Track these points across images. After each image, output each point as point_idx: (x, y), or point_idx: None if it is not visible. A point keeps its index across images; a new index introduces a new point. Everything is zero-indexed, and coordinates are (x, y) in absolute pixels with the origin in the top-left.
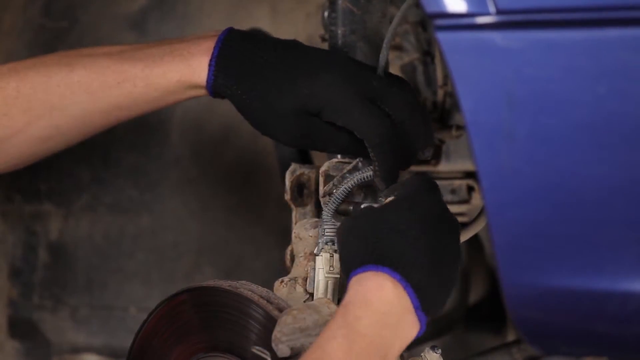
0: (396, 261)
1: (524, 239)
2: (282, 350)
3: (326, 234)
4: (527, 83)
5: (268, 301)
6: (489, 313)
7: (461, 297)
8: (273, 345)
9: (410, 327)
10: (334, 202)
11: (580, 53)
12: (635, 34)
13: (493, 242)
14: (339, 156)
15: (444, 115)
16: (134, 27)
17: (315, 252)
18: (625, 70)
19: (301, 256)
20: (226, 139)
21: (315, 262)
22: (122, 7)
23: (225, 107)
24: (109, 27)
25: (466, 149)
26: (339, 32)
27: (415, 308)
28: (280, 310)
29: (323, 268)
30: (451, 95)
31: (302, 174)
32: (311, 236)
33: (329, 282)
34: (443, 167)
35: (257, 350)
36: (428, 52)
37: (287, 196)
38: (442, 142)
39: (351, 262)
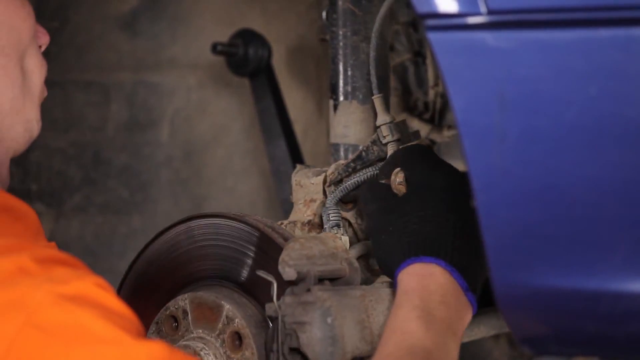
0: (436, 249)
1: (515, 239)
2: (289, 273)
3: (331, 219)
4: (518, 83)
5: (273, 230)
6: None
7: None
8: (280, 268)
9: (465, 308)
10: (340, 192)
11: (572, 53)
12: (626, 34)
13: (484, 242)
14: (342, 160)
15: (435, 115)
16: (125, 28)
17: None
18: (616, 70)
19: (301, 203)
20: (217, 139)
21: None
22: (113, 8)
23: (216, 107)
24: (100, 28)
25: (458, 149)
26: (340, 33)
27: (465, 290)
28: (285, 239)
29: (328, 223)
30: (442, 95)
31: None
32: (312, 183)
33: None
34: None
35: (261, 273)
36: (419, 53)
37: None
38: (433, 142)
39: (391, 261)
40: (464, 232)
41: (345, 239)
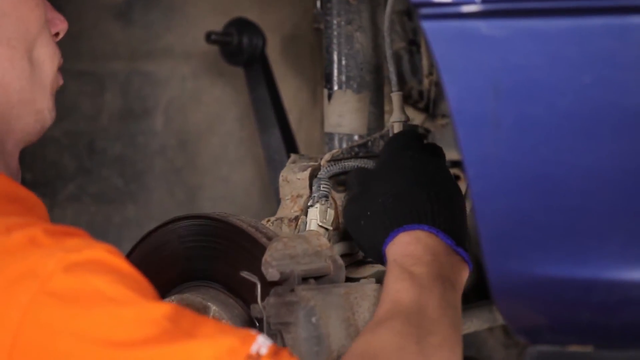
0: (417, 216)
1: (509, 228)
2: (272, 274)
3: (322, 189)
4: (512, 72)
5: (257, 230)
6: (475, 302)
7: None
8: (263, 269)
9: (459, 263)
10: (337, 168)
11: (566, 41)
12: (620, 23)
13: (478, 231)
14: (335, 150)
15: (429, 104)
16: (119, 17)
17: (309, 204)
18: (611, 58)
19: (288, 198)
20: (211, 128)
21: (308, 213)
22: None
23: (211, 96)
24: (94, 17)
25: (452, 138)
26: (335, 22)
27: (454, 247)
28: (269, 239)
29: (316, 218)
30: (437, 84)
31: None
32: (299, 179)
33: (321, 232)
34: None
35: (245, 274)
36: (414, 41)
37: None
38: (428, 131)
39: (376, 241)
40: (440, 200)
41: (331, 212)
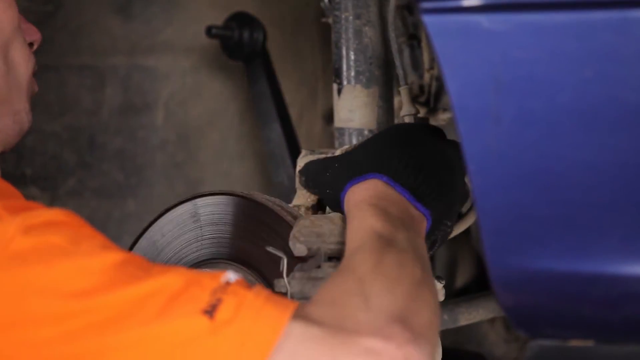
0: (378, 167)
1: (510, 222)
2: (300, 249)
3: None
4: (513, 66)
5: (282, 208)
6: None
7: (448, 281)
8: (290, 243)
9: (417, 216)
10: None
11: (567, 36)
12: (621, 17)
13: (480, 226)
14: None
15: (430, 98)
16: (119, 11)
17: None
18: (611, 53)
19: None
20: (212, 123)
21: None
22: None
23: (211, 91)
24: (94, 11)
25: (453, 133)
26: (343, 17)
27: (410, 200)
28: (294, 217)
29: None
30: (438, 78)
31: None
32: None
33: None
34: None
35: (271, 249)
36: (414, 36)
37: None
38: None
39: (336, 189)
40: (412, 162)
41: None
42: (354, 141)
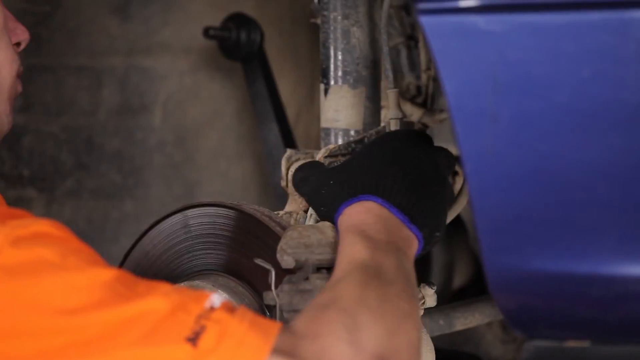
0: (374, 189)
1: (507, 223)
2: (287, 261)
3: None
4: (510, 66)
5: (271, 219)
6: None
7: (445, 282)
8: (278, 256)
9: (410, 238)
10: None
11: (564, 36)
12: (618, 17)
13: (476, 226)
14: (331, 145)
15: (427, 99)
16: (117, 12)
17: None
18: (609, 53)
19: (296, 194)
20: (210, 123)
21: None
22: None
23: (209, 91)
24: (92, 12)
25: (450, 133)
26: (331, 16)
27: (404, 222)
28: (283, 228)
29: (313, 214)
30: (435, 79)
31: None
32: None
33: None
34: None
35: (259, 261)
36: (412, 36)
37: (284, 183)
38: (426, 126)
39: (332, 209)
40: (405, 180)
41: None
42: (340, 141)
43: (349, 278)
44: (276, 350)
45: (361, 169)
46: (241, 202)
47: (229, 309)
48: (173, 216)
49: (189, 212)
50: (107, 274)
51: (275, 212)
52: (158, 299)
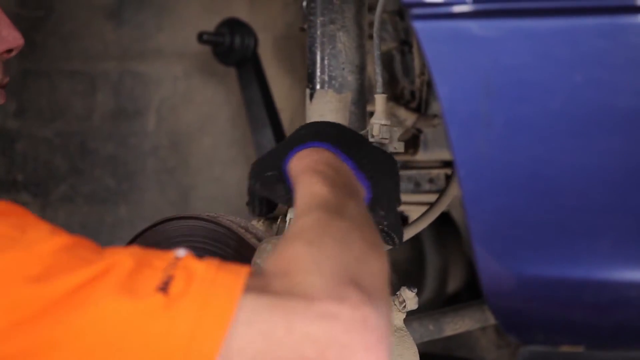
0: (319, 137)
1: (500, 228)
2: None
3: None
4: (504, 72)
5: (247, 230)
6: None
7: (439, 286)
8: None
9: (358, 186)
10: None
11: (557, 41)
12: (611, 23)
13: (470, 231)
14: None
15: (421, 104)
16: (111, 17)
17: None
18: (602, 59)
19: None
20: (203, 128)
21: (288, 212)
22: None
23: (203, 96)
24: (86, 17)
25: (444, 138)
26: (318, 21)
27: (353, 168)
28: (259, 239)
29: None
30: (429, 84)
31: None
32: None
33: None
34: (421, 156)
35: None
36: (406, 42)
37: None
38: (420, 131)
39: (278, 163)
40: (350, 135)
41: None
42: None
43: (312, 212)
44: (249, 288)
45: (306, 129)
46: (219, 214)
47: (195, 257)
48: (153, 229)
49: (168, 225)
50: (69, 240)
51: (258, 218)
52: (124, 257)
